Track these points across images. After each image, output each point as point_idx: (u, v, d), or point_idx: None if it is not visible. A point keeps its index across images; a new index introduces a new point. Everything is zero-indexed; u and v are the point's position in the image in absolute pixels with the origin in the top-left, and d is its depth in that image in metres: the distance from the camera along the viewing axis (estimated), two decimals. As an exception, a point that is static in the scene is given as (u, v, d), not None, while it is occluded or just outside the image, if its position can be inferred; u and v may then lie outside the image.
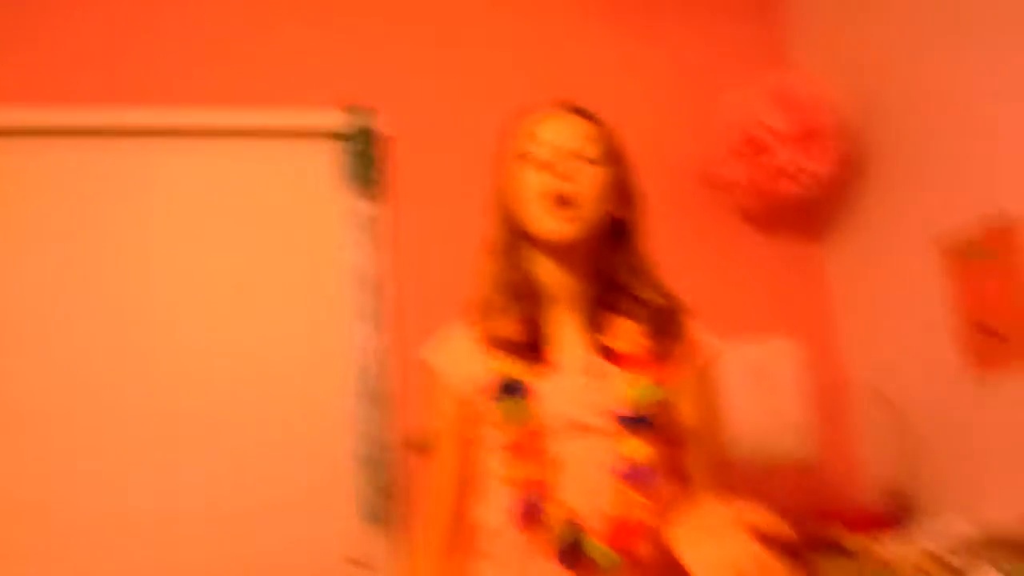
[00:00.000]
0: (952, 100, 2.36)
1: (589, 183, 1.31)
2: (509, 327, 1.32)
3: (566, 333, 1.35)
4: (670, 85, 2.96)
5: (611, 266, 1.35)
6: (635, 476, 1.23)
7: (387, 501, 2.55)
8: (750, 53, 3.01)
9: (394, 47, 2.90)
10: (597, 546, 1.21)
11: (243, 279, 2.69)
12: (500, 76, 2.92)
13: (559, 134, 1.34)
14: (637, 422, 1.25)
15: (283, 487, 2.54)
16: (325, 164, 2.79)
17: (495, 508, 1.31)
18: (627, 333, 1.31)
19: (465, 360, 1.36)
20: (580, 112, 1.40)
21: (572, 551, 1.21)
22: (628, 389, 1.28)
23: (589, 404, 1.29)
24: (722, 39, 3.03)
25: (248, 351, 2.63)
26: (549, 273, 1.35)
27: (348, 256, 2.73)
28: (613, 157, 1.37)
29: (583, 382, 1.31)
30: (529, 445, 1.26)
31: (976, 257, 2.26)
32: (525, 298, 1.34)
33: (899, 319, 2.55)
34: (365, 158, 2.75)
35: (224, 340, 2.63)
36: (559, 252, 1.33)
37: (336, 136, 2.78)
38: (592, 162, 1.33)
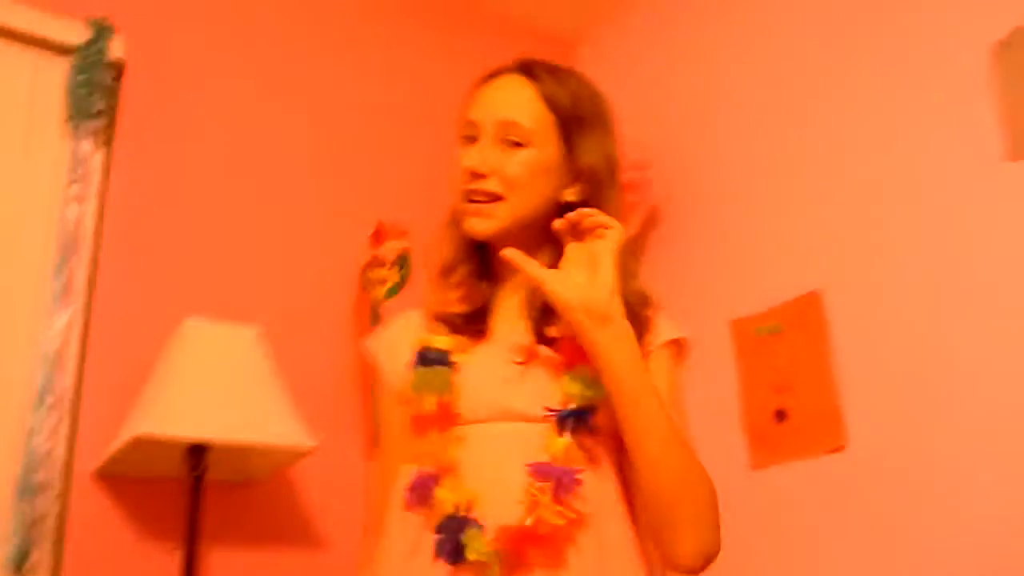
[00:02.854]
0: (746, 173, 2.35)
1: (505, 176, 1.16)
2: (452, 302, 1.21)
3: (508, 315, 1.22)
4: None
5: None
6: (552, 476, 1.06)
7: (41, 543, 1.85)
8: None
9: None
10: (480, 542, 1.04)
11: None
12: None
13: (486, 107, 1.20)
14: (570, 416, 1.11)
15: None
16: (43, 83, 2.10)
17: (398, 486, 1.17)
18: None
19: (403, 346, 1.23)
20: (524, 72, 1.21)
21: (451, 542, 1.06)
22: (567, 381, 1.12)
23: (517, 390, 1.14)
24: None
25: None
26: (494, 255, 1.21)
27: (50, 206, 2.05)
28: (557, 129, 1.19)
29: (515, 366, 1.16)
30: (437, 418, 1.13)
31: (767, 333, 2.22)
32: (470, 274, 1.23)
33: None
34: (93, 84, 2.09)
35: None
36: (489, 245, 1.21)
37: (63, 51, 2.11)
38: (518, 144, 1.16)
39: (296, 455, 1.89)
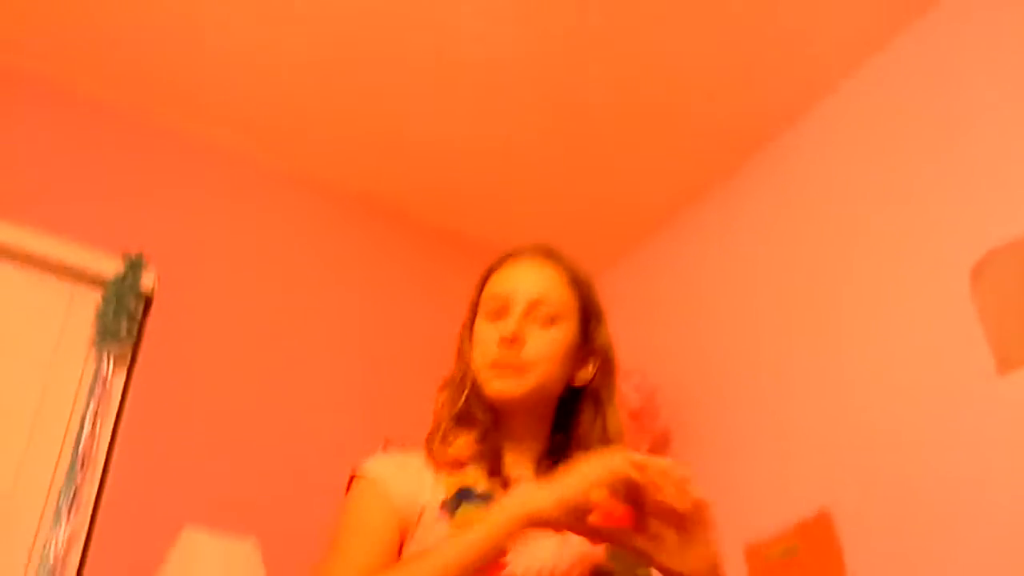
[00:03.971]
0: (749, 398, 2.39)
1: (538, 347, 1.21)
2: (466, 450, 1.20)
3: (521, 471, 1.22)
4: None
5: (573, 427, 1.25)
6: None
7: None
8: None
9: (176, 201, 2.54)
10: None
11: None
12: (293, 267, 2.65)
13: (515, 285, 1.25)
14: None
15: None
16: (76, 308, 2.26)
17: None
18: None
19: (409, 474, 1.18)
20: (549, 256, 1.29)
21: None
22: (616, 554, 1.11)
23: (565, 552, 1.11)
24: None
25: None
26: (503, 420, 1.24)
27: (67, 422, 2.13)
28: (579, 312, 1.26)
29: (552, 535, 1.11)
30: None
31: (781, 557, 2.14)
32: (483, 431, 1.22)
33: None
34: (121, 311, 2.23)
35: None
36: (508, 409, 1.23)
37: (97, 282, 2.28)
38: (546, 322, 1.22)
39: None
